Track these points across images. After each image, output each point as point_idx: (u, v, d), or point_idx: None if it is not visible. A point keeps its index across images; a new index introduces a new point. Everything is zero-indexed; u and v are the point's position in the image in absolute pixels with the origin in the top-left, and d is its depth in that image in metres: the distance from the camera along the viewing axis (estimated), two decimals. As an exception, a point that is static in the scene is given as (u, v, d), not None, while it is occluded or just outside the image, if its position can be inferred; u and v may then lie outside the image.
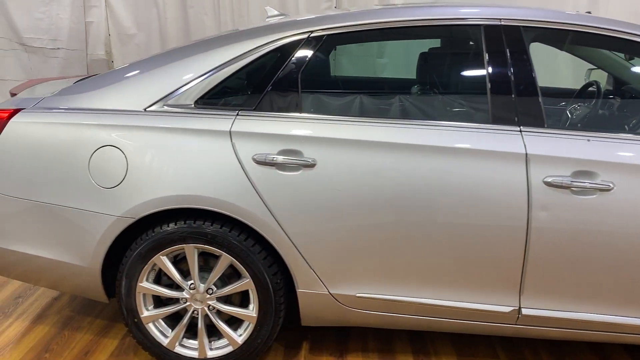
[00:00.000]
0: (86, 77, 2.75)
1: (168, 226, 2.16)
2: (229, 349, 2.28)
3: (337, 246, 2.11)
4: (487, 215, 2.02)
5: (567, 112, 2.54)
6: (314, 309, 2.23)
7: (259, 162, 2.08)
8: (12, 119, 2.25)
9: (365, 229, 2.08)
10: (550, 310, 2.11)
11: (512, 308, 2.13)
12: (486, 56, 2.10)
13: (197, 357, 2.29)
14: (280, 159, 2.07)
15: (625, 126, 2.27)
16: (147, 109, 2.20)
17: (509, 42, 2.10)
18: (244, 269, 2.17)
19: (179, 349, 2.31)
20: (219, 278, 2.23)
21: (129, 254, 2.21)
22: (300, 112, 2.14)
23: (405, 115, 2.11)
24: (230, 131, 2.12)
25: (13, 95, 2.49)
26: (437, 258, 2.09)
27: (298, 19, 2.24)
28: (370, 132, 2.06)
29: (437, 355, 2.45)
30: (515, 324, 2.16)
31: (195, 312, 2.27)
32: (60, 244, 2.26)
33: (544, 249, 2.03)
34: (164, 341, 2.30)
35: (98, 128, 2.17)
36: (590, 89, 2.70)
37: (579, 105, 2.60)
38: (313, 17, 2.22)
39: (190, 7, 6.44)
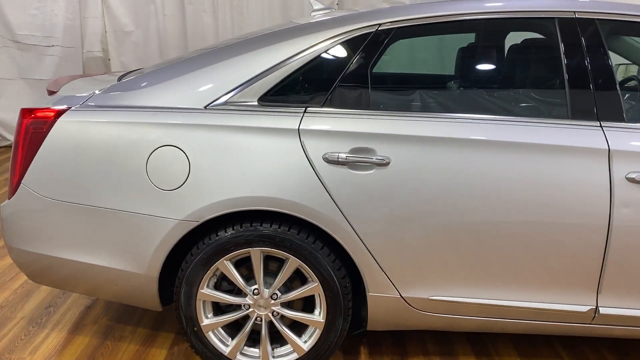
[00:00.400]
0: (128, 73, 2.62)
1: (233, 229, 2.05)
2: (294, 357, 2.19)
3: (411, 248, 2.03)
4: (567, 214, 1.97)
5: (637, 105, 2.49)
6: (383, 313, 2.15)
7: (330, 162, 1.99)
8: (60, 119, 2.11)
9: (441, 229, 2.00)
10: (629, 308, 2.07)
11: (589, 307, 2.08)
12: (562, 49, 2.04)
13: (259, 364, 2.20)
14: (352, 157, 1.98)
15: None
16: (207, 107, 2.08)
17: (584, 35, 2.05)
18: (312, 272, 2.07)
19: (240, 358, 2.20)
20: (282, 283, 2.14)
21: (189, 259, 2.10)
22: (371, 108, 2.06)
23: (480, 110, 2.05)
24: (298, 129, 2.02)
25: (51, 93, 2.34)
26: (515, 258, 2.03)
27: (364, 10, 2.15)
28: (445, 128, 1.99)
29: (499, 356, 2.39)
30: (590, 324, 2.12)
31: (259, 318, 2.17)
32: (113, 250, 2.13)
33: (626, 247, 1.99)
34: (225, 350, 2.19)
35: (156, 127, 2.05)
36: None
37: None
38: (381, 8, 2.13)
39: (189, 3, 6.28)
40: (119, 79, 2.41)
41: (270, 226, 2.05)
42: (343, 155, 1.98)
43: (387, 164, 1.98)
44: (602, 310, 2.08)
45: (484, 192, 1.97)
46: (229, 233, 2.05)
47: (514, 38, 2.28)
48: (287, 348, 2.21)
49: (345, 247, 2.04)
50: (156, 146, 2.04)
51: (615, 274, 2.03)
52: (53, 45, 6.29)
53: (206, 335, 2.18)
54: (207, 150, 2.02)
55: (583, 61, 2.03)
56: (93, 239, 2.14)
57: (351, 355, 2.40)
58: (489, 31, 2.22)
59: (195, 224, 2.03)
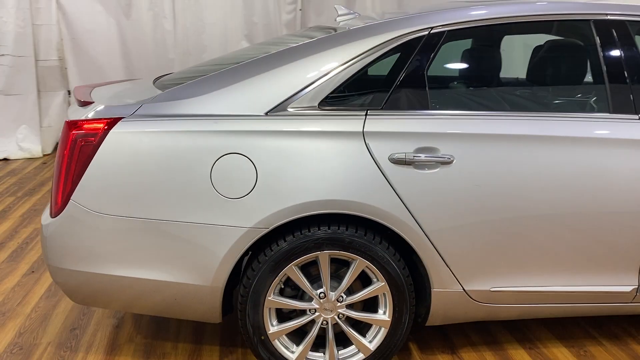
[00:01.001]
0: (158, 78, 2.54)
1: (301, 233, 2.05)
2: (359, 357, 2.20)
3: (474, 242, 2.11)
4: (617, 202, 2.12)
5: None
6: (445, 308, 2.22)
7: (396, 162, 2.03)
8: (113, 130, 2.03)
9: (504, 222, 2.10)
10: (668, 285, 2.25)
11: (632, 287, 2.24)
12: (600, 48, 2.19)
13: (326, 368, 2.20)
14: (418, 157, 2.03)
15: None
16: (268, 113, 2.07)
17: (618, 34, 2.21)
18: (379, 272, 2.11)
19: (305, 362, 2.20)
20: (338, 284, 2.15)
21: (256, 267, 2.07)
22: (429, 109, 2.12)
23: (533, 108, 2.16)
24: (363, 132, 2.05)
25: (83, 103, 2.23)
26: (569, 246, 2.15)
27: (414, 14, 2.21)
28: (504, 125, 2.09)
29: (541, 341, 2.52)
30: (632, 302, 2.28)
31: (324, 322, 2.17)
32: (175, 263, 2.07)
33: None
34: (292, 357, 2.17)
35: (220, 135, 2.01)
36: None
37: None
38: (432, 12, 2.20)
39: (149, 9, 6.11)
40: (155, 83, 2.33)
41: (338, 229, 2.06)
42: (409, 155, 2.03)
43: (451, 161, 2.05)
44: (643, 288, 2.25)
45: (543, 185, 2.08)
46: (298, 238, 2.04)
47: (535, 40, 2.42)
48: (351, 349, 2.23)
49: (413, 245, 2.09)
50: (220, 154, 2.01)
51: (655, 254, 2.20)
52: (3, 55, 5.93)
53: (273, 343, 2.16)
54: (273, 157, 2.01)
55: (619, 59, 2.19)
56: (152, 254, 2.07)
57: (402, 351, 2.45)
58: (530, 33, 2.34)
59: (265, 231, 2.02)
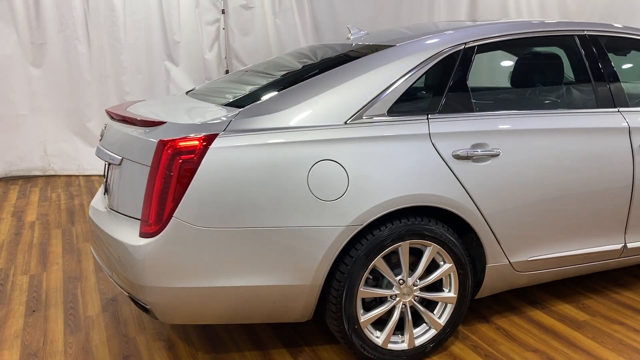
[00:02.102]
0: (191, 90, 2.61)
1: (386, 227, 2.29)
2: (432, 333, 2.49)
3: (518, 220, 2.52)
4: (614, 176, 2.66)
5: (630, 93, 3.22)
6: (494, 280, 2.59)
7: (458, 158, 2.38)
8: (212, 146, 2.11)
9: (538, 202, 2.53)
10: (645, 240, 2.86)
11: (621, 245, 2.81)
12: (585, 58, 2.75)
13: (406, 348, 2.44)
14: (474, 152, 2.40)
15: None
16: (347, 122, 2.29)
17: (595, 46, 2.78)
18: (448, 255, 2.42)
19: (390, 346, 2.42)
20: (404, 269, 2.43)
21: (349, 261, 2.27)
22: (474, 110, 2.49)
23: (550, 106, 2.64)
24: (429, 133, 2.36)
25: (125, 118, 2.31)
26: (581, 216, 2.65)
27: (450, 31, 2.57)
28: (534, 121, 2.54)
29: (548, 302, 3.00)
30: (619, 257, 2.86)
31: (403, 305, 2.42)
32: (276, 267, 2.19)
33: (642, 194, 2.76)
34: (379, 341, 2.39)
35: (311, 144, 2.19)
36: None
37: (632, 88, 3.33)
38: (463, 30, 2.58)
39: (61, 31, 5.82)
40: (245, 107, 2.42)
41: (416, 220, 2.34)
42: (468, 151, 2.38)
43: (499, 154, 2.44)
44: (629, 246, 2.83)
45: (564, 168, 2.55)
46: (384, 232, 2.28)
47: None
48: (422, 328, 2.50)
49: (475, 228, 2.44)
50: (314, 162, 2.18)
51: (635, 216, 2.79)
52: None
53: (364, 331, 2.36)
54: (359, 161, 2.24)
55: (599, 64, 2.76)
56: (255, 261, 2.17)
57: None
58: (535, 46, 2.82)
59: (359, 228, 2.23)
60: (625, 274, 3.34)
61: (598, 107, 2.73)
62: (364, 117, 2.32)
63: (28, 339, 2.76)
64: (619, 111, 2.75)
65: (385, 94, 2.36)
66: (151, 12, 5.91)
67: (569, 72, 2.77)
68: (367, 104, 2.33)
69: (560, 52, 2.77)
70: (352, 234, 2.22)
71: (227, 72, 6.19)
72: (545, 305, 2.98)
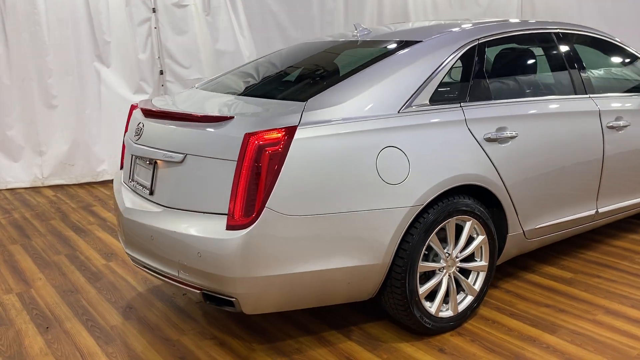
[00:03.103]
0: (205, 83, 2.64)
1: (438, 205, 2.52)
2: (469, 299, 2.76)
3: (530, 193, 2.88)
4: (591, 151, 3.14)
5: (598, 81, 3.69)
6: (510, 248, 2.94)
7: (488, 140, 2.68)
8: (295, 137, 2.20)
9: (547, 173, 2.92)
10: (613, 204, 3.39)
11: (594, 210, 3.31)
12: (563, 51, 3.20)
13: (452, 314, 2.69)
14: (501, 134, 2.71)
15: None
16: (400, 111, 2.49)
17: (568, 42, 3.24)
18: (483, 228, 2.71)
19: (440, 314, 2.66)
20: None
21: (410, 239, 2.46)
22: (492, 98, 2.81)
23: (545, 93, 3.04)
24: (465, 119, 2.63)
25: (178, 115, 2.34)
26: (572, 186, 3.09)
27: (464, 28, 2.86)
28: (539, 106, 2.92)
29: (537, 267, 3.43)
30: (592, 222, 3.36)
31: (448, 276, 2.67)
32: (353, 249, 2.33)
33: (611, 168, 3.27)
34: (432, 310, 2.61)
35: (376, 133, 2.37)
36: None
37: (601, 77, 3.79)
38: (474, 27, 2.89)
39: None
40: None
41: (460, 198, 2.60)
42: (495, 134, 2.70)
43: (517, 136, 2.79)
44: (600, 210, 3.34)
45: (563, 144, 2.97)
46: (438, 210, 2.51)
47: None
48: (461, 295, 2.76)
49: (502, 202, 2.75)
50: (380, 149, 2.36)
51: (604, 186, 3.30)
52: None
53: (422, 302, 2.57)
54: (416, 146, 2.45)
55: (573, 56, 3.23)
56: (336, 244, 2.29)
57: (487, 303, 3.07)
58: (528, 43, 3.20)
59: (421, 207, 2.44)
60: (585, 238, 3.89)
61: (576, 93, 3.19)
62: (413, 106, 2.53)
63: (60, 355, 2.60)
64: (590, 97, 3.24)
65: (427, 85, 2.59)
66: (77, 10, 5.56)
67: (553, 64, 3.20)
68: (413, 94, 2.55)
69: (545, 47, 3.20)
70: (415, 213, 2.43)
71: (161, 72, 6.02)
72: (535, 269, 3.40)
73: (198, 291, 2.34)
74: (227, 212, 2.20)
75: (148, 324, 2.85)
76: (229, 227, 2.16)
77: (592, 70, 3.36)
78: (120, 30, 5.75)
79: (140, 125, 2.61)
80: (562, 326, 2.73)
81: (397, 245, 2.42)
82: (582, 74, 3.25)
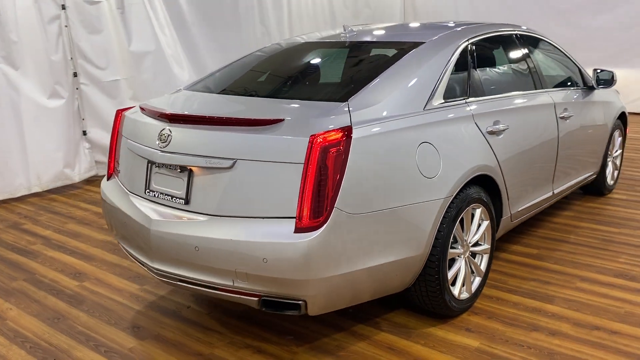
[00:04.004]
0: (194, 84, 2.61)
1: (460, 195, 2.71)
2: (478, 280, 2.99)
3: (517, 178, 3.19)
4: (551, 140, 3.54)
5: (547, 77, 4.02)
6: (500, 231, 3.22)
7: (489, 133, 2.93)
8: (354, 137, 2.24)
9: (526, 161, 3.25)
10: (562, 185, 3.84)
11: (552, 191, 3.74)
12: (526, 51, 3.57)
13: (468, 296, 2.90)
14: (497, 127, 2.98)
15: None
16: (424, 108, 2.63)
17: (527, 42, 3.62)
18: (488, 214, 2.95)
19: (461, 296, 2.85)
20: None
21: (442, 229, 2.62)
22: (485, 94, 3.06)
23: (519, 89, 3.36)
24: (472, 115, 2.85)
25: (219, 120, 2.33)
26: (541, 171, 3.47)
27: (456, 29, 3.08)
28: (518, 100, 3.23)
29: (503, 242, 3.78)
30: (549, 202, 3.79)
31: (464, 261, 2.87)
32: (401, 242, 2.44)
33: (560, 153, 3.71)
34: (456, 293, 2.80)
35: (413, 130, 2.50)
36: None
37: (547, 74, 4.15)
38: (463, 29, 3.11)
39: None
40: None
41: (474, 188, 2.81)
42: (495, 127, 2.95)
43: (508, 128, 3.07)
44: (555, 191, 3.77)
45: (534, 134, 3.32)
46: (460, 201, 2.69)
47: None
48: (471, 277, 2.99)
49: (500, 189, 3.02)
50: (417, 145, 2.49)
51: (557, 169, 3.74)
52: None
53: (449, 286, 2.74)
54: (443, 140, 2.62)
55: (532, 55, 3.61)
56: (388, 239, 2.38)
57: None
58: (499, 43, 3.49)
59: (451, 198, 2.61)
60: (531, 218, 4.33)
61: (536, 89, 3.57)
62: (433, 103, 2.69)
63: (87, 386, 2.38)
64: (546, 92, 3.64)
65: (440, 82, 2.76)
66: (-23, 6, 4.94)
67: (521, 62, 3.55)
68: (432, 92, 2.70)
69: (514, 47, 3.54)
70: (447, 204, 2.59)
71: (75, 74, 5.54)
72: (504, 249, 3.75)
73: (256, 298, 2.29)
74: (290, 216, 2.18)
75: (169, 342, 2.70)
76: (298, 230, 2.15)
77: (543, 68, 3.77)
78: (29, 29, 5.20)
79: (166, 131, 2.46)
80: (554, 296, 3.07)
81: (435, 235, 2.56)
82: (540, 71, 3.65)
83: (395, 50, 2.89)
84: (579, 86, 4.11)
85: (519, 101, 3.28)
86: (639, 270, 3.37)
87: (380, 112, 2.44)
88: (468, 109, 2.85)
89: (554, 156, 3.62)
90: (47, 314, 3.00)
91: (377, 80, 2.60)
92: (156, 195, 2.52)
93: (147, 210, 2.50)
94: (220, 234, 2.25)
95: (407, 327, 2.78)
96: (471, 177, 2.72)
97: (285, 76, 2.94)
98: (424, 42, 2.92)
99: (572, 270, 3.38)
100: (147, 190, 2.57)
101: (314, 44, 3.28)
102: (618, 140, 4.84)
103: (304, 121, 2.27)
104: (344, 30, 3.36)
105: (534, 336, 2.68)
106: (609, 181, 4.78)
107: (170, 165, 2.46)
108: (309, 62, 3.05)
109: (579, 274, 3.33)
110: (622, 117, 4.80)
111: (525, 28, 3.72)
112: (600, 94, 4.33)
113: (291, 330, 2.78)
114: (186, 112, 2.45)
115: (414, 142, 2.47)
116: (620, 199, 4.74)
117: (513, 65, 3.49)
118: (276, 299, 2.27)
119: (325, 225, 2.15)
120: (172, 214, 2.42)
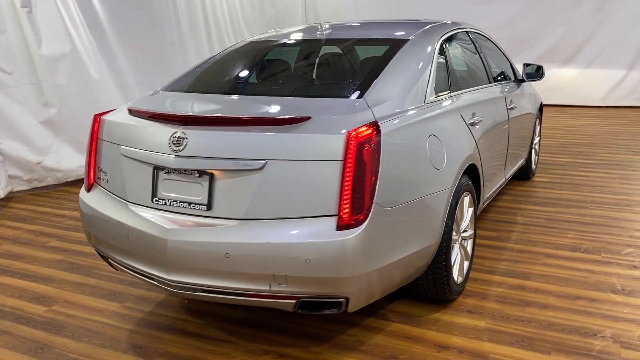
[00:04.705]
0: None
1: (457, 185, 2.84)
2: (466, 264, 3.15)
3: (488, 167, 3.41)
4: (504, 129, 3.83)
5: (493, 72, 4.27)
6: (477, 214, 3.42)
7: (472, 124, 3.11)
8: (383, 132, 2.28)
9: (492, 150, 3.48)
10: (509, 172, 4.15)
11: (504, 177, 4.03)
12: (477, 47, 3.80)
13: (462, 280, 3.05)
14: (475, 119, 3.16)
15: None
16: (425, 102, 2.73)
17: (478, 40, 3.86)
18: (473, 201, 3.13)
19: (458, 280, 2.99)
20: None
21: (449, 217, 2.73)
22: (461, 88, 3.23)
23: (480, 82, 3.56)
24: (458, 107, 3.00)
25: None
26: (500, 159, 3.73)
27: (433, 25, 3.21)
28: (483, 93, 3.45)
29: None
30: (501, 187, 4.08)
31: (457, 246, 3.02)
32: (422, 232, 2.52)
33: (510, 142, 4.02)
34: (456, 277, 2.93)
35: (423, 123, 2.61)
36: None
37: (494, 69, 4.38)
38: (437, 25, 3.25)
39: None
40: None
41: (463, 177, 2.96)
42: (474, 119, 3.13)
43: (482, 120, 3.27)
44: (506, 178, 4.07)
45: (494, 123, 3.57)
46: (458, 190, 2.82)
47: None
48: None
49: (480, 177, 3.21)
50: (428, 136, 2.59)
51: (508, 157, 4.04)
52: None
53: (452, 272, 2.86)
54: (444, 132, 2.74)
55: (485, 51, 3.86)
56: (413, 230, 2.46)
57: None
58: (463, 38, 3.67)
59: (455, 187, 2.73)
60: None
61: (490, 82, 3.83)
62: (430, 97, 2.79)
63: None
64: (498, 85, 3.92)
65: (430, 77, 2.88)
66: None
67: (479, 57, 3.78)
68: (427, 86, 2.81)
69: (473, 43, 3.76)
70: (452, 193, 2.71)
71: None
72: (467, 233, 3.97)
73: (294, 301, 2.24)
74: (329, 214, 2.16)
75: (180, 358, 2.54)
76: (340, 227, 2.14)
77: (489, 63, 4.05)
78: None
79: (179, 134, 2.31)
80: (529, 273, 3.33)
81: (444, 224, 2.67)
82: (490, 66, 3.92)
83: (385, 46, 2.95)
84: (511, 80, 4.46)
85: (483, 94, 3.50)
86: (588, 243, 3.74)
87: (394, 106, 2.49)
88: (455, 102, 3.00)
89: (506, 144, 3.91)
90: (26, 345, 2.69)
91: (382, 76, 2.64)
92: (168, 203, 2.36)
93: (158, 219, 2.34)
94: (254, 238, 2.18)
95: (414, 316, 2.87)
96: (466, 166, 2.87)
97: (283, 75, 2.88)
98: (408, 39, 3.01)
99: (533, 249, 3.68)
100: (156, 198, 2.40)
101: (299, 42, 3.25)
102: (538, 128, 5.31)
103: (330, 118, 2.25)
104: (320, 27, 3.37)
105: (529, 311, 2.89)
106: (533, 166, 5.24)
107: (185, 170, 2.32)
108: (302, 59, 3.02)
109: (541, 251, 3.63)
110: (541, 108, 5.29)
111: (472, 26, 3.97)
112: (527, 86, 4.74)
113: (301, 331, 2.74)
114: (202, 114, 2.33)
115: (424, 135, 2.56)
116: (544, 182, 5.22)
117: (473, 61, 3.72)
118: (315, 299, 2.24)
119: (367, 221, 2.16)
120: (193, 222, 2.29)
